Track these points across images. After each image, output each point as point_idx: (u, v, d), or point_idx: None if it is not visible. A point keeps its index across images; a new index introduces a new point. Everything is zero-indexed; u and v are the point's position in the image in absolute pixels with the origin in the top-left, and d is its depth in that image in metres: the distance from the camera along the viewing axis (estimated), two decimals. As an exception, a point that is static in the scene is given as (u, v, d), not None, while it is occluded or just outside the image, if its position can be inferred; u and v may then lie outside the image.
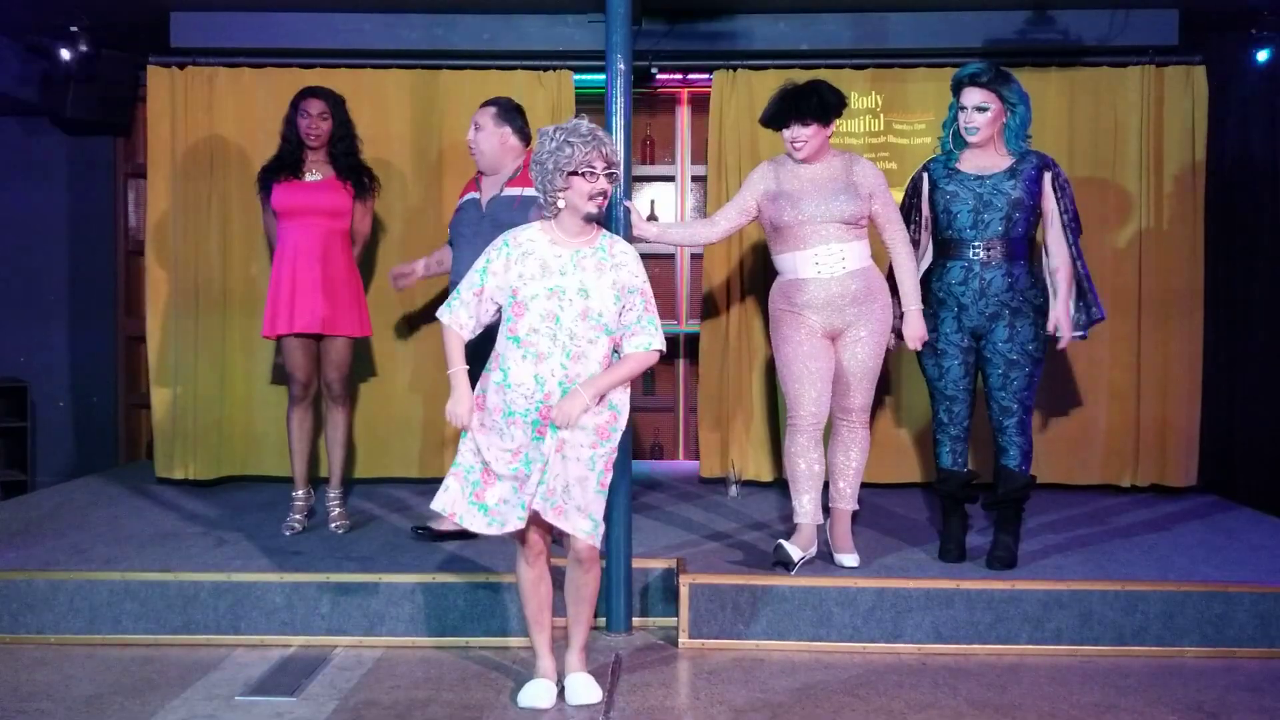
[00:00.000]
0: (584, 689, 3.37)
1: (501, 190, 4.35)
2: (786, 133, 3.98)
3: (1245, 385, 5.76)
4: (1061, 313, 4.05)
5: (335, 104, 4.65)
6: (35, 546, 4.39)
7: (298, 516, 4.64)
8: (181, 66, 5.57)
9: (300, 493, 4.68)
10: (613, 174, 3.26)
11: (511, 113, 4.41)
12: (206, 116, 5.58)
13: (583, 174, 3.21)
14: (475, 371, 3.33)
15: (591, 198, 3.23)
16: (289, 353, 4.57)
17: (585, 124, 3.26)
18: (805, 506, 4.03)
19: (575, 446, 3.22)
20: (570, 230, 3.29)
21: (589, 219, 3.28)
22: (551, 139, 3.23)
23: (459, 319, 3.30)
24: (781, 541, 4.04)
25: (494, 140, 4.36)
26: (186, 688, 3.52)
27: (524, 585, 3.37)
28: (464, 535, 4.18)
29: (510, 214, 4.20)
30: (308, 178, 4.57)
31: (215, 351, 5.57)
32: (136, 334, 6.28)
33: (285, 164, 4.58)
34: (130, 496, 5.39)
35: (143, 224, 6.12)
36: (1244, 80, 5.69)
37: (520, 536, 3.29)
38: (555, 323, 3.20)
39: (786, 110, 3.95)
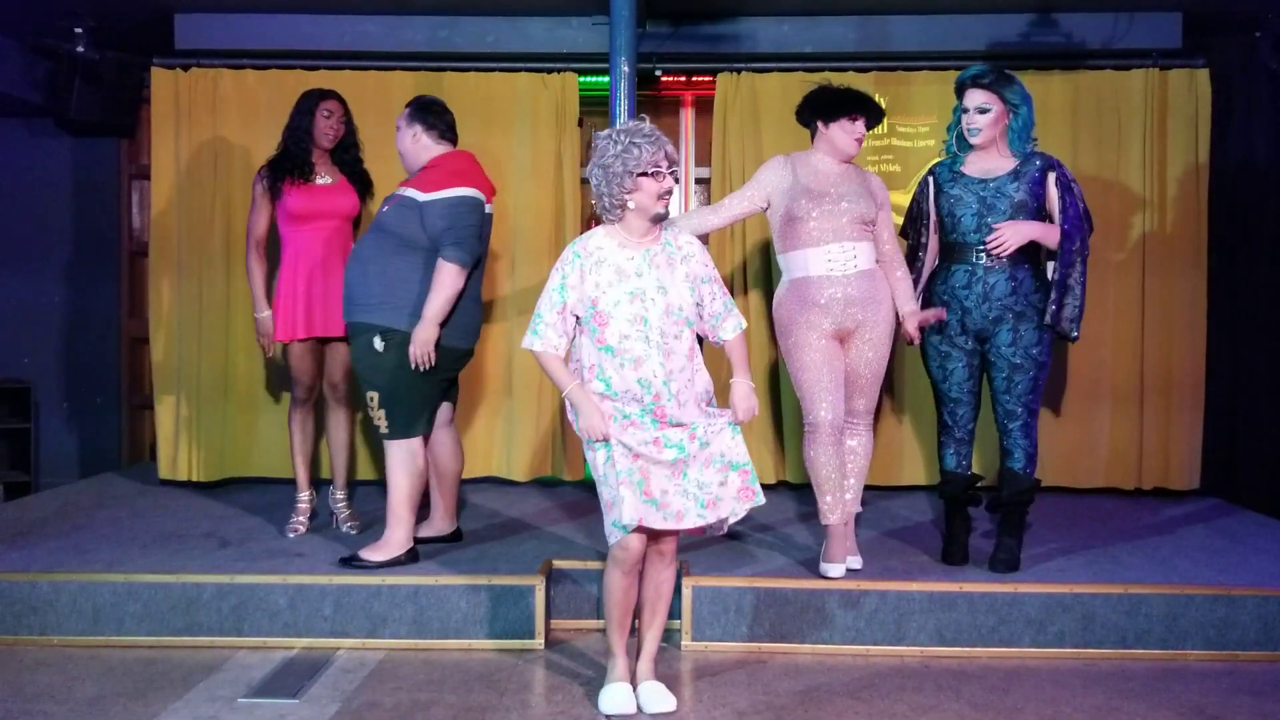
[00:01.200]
0: (660, 698, 3.35)
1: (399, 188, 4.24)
2: (854, 125, 3.97)
3: (1248, 388, 5.75)
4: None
5: (346, 107, 4.66)
6: (38, 548, 4.39)
7: (301, 519, 4.65)
8: (185, 68, 5.58)
9: (304, 495, 4.69)
10: (676, 172, 3.29)
11: (422, 110, 4.23)
12: (210, 118, 5.59)
13: (651, 174, 3.22)
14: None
15: (660, 197, 3.25)
16: (298, 356, 4.57)
17: (647, 125, 3.26)
18: (833, 510, 4.00)
19: (713, 435, 3.28)
20: (638, 231, 3.30)
21: (657, 219, 3.29)
22: (616, 142, 3.22)
23: (550, 342, 3.27)
24: (822, 567, 4.00)
25: (405, 140, 4.23)
26: (189, 689, 3.52)
27: (615, 592, 3.32)
28: (400, 562, 4.13)
29: (383, 213, 4.15)
30: (318, 180, 4.55)
31: (218, 353, 5.57)
32: (140, 335, 6.28)
33: (296, 164, 4.53)
34: (133, 498, 5.40)
35: (146, 225, 6.13)
36: (1248, 83, 5.68)
37: (628, 543, 3.23)
38: (644, 325, 3.22)
39: (857, 102, 3.97)
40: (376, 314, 4.06)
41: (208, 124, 5.58)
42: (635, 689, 3.38)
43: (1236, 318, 5.78)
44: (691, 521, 3.24)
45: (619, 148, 3.21)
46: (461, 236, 4.04)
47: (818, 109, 4.02)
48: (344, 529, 4.65)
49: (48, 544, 4.45)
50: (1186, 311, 5.52)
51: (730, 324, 3.40)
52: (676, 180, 3.31)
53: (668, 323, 3.24)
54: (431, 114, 4.24)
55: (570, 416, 3.31)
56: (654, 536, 3.30)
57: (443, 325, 4.05)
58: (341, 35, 5.59)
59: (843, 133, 3.98)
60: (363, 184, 4.67)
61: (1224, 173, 5.71)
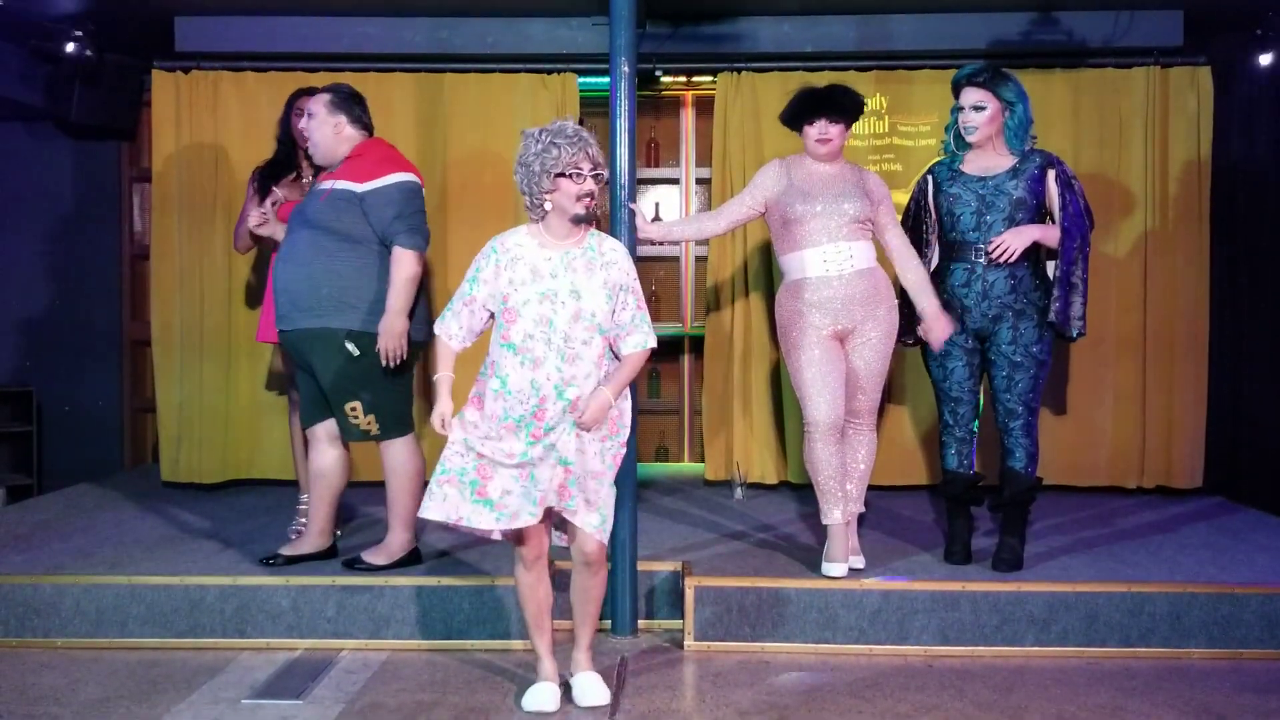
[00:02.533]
0: (592, 689, 3.38)
1: (319, 183, 4.09)
2: (813, 129, 3.97)
3: (1251, 386, 5.75)
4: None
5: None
6: (41, 550, 4.39)
7: (303, 520, 4.63)
8: (186, 71, 5.59)
9: (305, 497, 4.66)
10: (599, 175, 3.23)
11: (348, 101, 4.06)
12: (211, 120, 5.59)
13: (570, 175, 3.18)
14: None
15: (579, 199, 3.20)
16: (287, 358, 4.54)
17: (571, 125, 3.23)
18: (834, 510, 4.00)
19: (588, 441, 3.23)
20: (558, 233, 3.27)
21: (577, 220, 3.25)
22: (537, 141, 3.21)
23: (449, 329, 3.31)
24: (824, 567, 4.00)
25: (326, 129, 4.02)
26: (193, 691, 3.52)
27: (522, 589, 3.36)
28: (321, 556, 4.14)
29: (315, 207, 3.98)
30: (305, 182, 4.49)
31: (220, 355, 5.58)
32: (142, 338, 6.29)
33: (283, 167, 4.50)
34: (136, 500, 5.40)
35: (148, 228, 6.13)
36: (1249, 81, 5.68)
37: (517, 539, 3.29)
38: (549, 327, 3.18)
39: (818, 105, 3.96)
40: (333, 317, 3.92)
41: (208, 127, 5.59)
42: (569, 681, 3.40)
43: (1239, 315, 5.78)
44: (524, 520, 3.19)
45: (539, 147, 3.19)
46: (414, 223, 3.93)
47: (788, 118, 4.06)
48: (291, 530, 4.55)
49: (51, 547, 4.45)
50: (1189, 309, 5.52)
51: (634, 339, 3.29)
52: (601, 183, 3.24)
53: (575, 328, 3.20)
54: (358, 105, 4.10)
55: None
56: (570, 537, 3.31)
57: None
58: (341, 37, 5.59)
59: (808, 138, 4.00)
60: None
61: (1225, 170, 5.70)
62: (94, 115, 5.88)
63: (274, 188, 4.50)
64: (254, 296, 5.57)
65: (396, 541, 4.10)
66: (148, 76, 5.68)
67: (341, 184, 3.97)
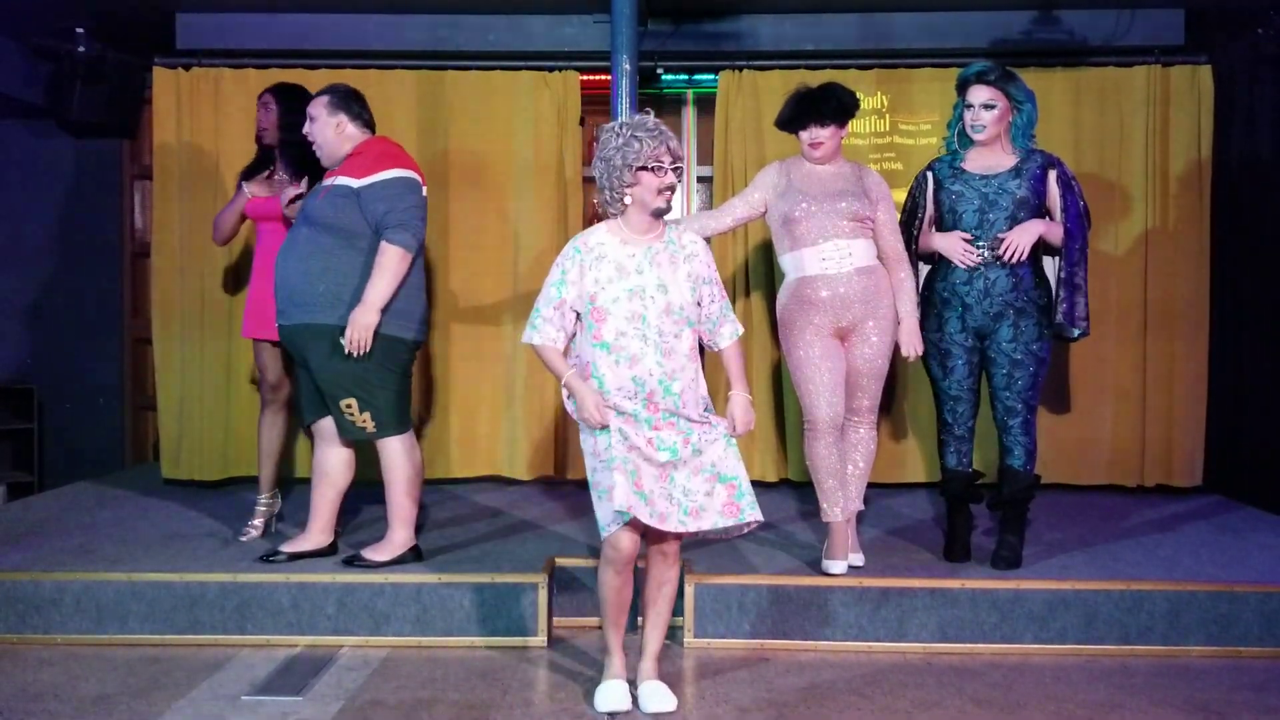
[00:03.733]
0: (660, 697, 3.32)
1: (322, 181, 4.09)
2: (805, 134, 3.99)
3: (1251, 385, 5.75)
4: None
5: (282, 94, 4.42)
6: (42, 547, 4.40)
7: (257, 522, 4.53)
8: (187, 68, 5.59)
9: (263, 496, 4.56)
10: (679, 168, 3.24)
11: (347, 99, 4.06)
12: (212, 117, 5.59)
13: (652, 169, 3.18)
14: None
15: (660, 192, 3.21)
16: (259, 354, 4.52)
17: (651, 119, 3.23)
18: (835, 508, 4.01)
19: (706, 444, 3.25)
20: (639, 228, 3.27)
21: (658, 214, 3.26)
22: (618, 135, 3.20)
23: (548, 335, 3.26)
24: (824, 564, 4.01)
25: (329, 130, 4.02)
26: (193, 688, 3.52)
27: (609, 592, 3.30)
28: (322, 553, 4.14)
29: (315, 204, 3.98)
30: (275, 179, 4.46)
31: (220, 353, 5.58)
32: (143, 336, 6.29)
33: (257, 166, 4.51)
34: (137, 498, 5.41)
35: (149, 225, 6.13)
36: (1250, 79, 5.68)
37: (625, 540, 3.21)
38: (642, 323, 3.19)
39: (806, 111, 3.97)
40: (328, 313, 3.90)
41: (210, 124, 5.58)
42: (636, 687, 3.37)
43: (1240, 313, 5.78)
44: (673, 526, 3.20)
45: (620, 140, 3.18)
46: (405, 218, 3.90)
47: (781, 124, 4.07)
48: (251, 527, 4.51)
49: (52, 543, 4.46)
50: (1189, 308, 5.52)
51: (726, 330, 3.38)
52: (680, 176, 3.29)
53: (666, 321, 3.22)
54: (357, 104, 4.10)
55: (569, 407, 3.28)
56: (655, 537, 3.29)
57: (383, 312, 3.90)
58: (342, 34, 5.60)
59: (801, 143, 4.02)
60: (309, 173, 4.29)
61: (1227, 169, 5.70)
62: (95, 113, 5.89)
63: (242, 183, 4.51)
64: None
65: (397, 539, 4.10)
66: (149, 74, 5.68)
67: (341, 180, 3.96)
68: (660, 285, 3.23)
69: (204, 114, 5.59)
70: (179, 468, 5.59)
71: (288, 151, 4.34)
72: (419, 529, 4.37)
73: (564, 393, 3.28)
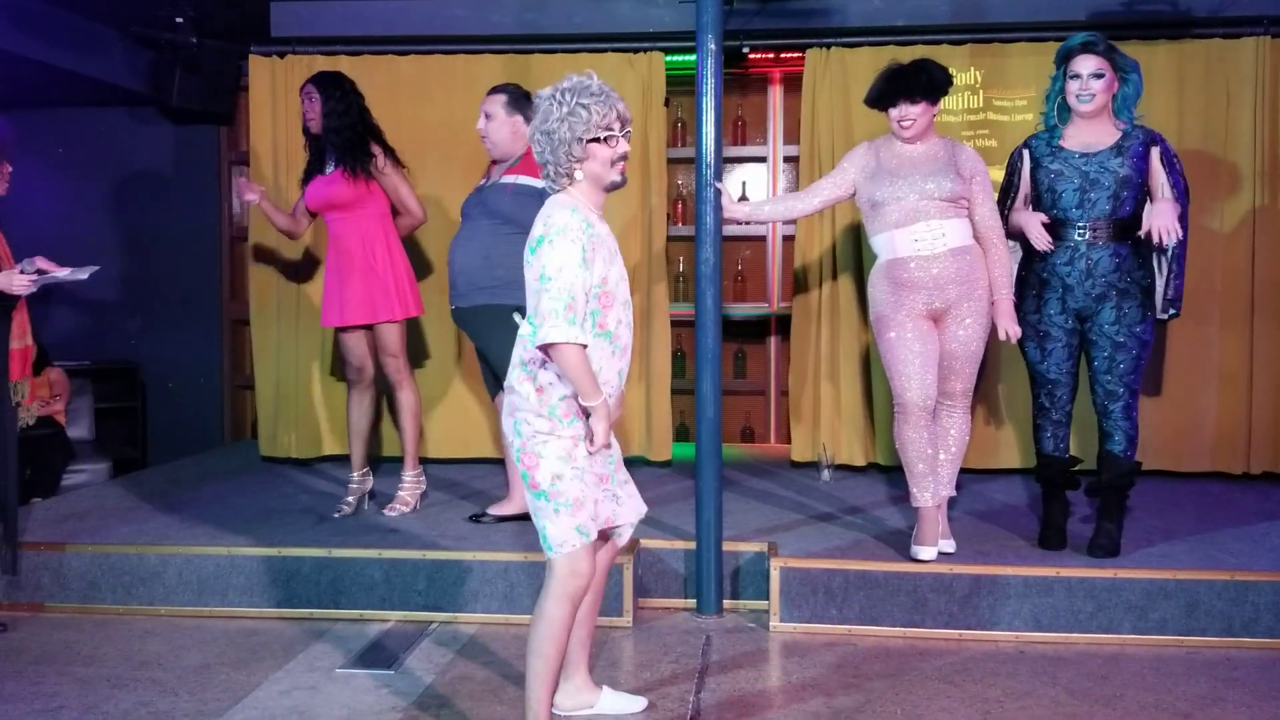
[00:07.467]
0: (623, 700, 3.18)
1: (500, 177, 4.32)
2: (894, 111, 3.90)
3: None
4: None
5: (324, 83, 4.53)
6: (147, 522, 4.56)
7: (350, 499, 4.65)
8: (281, 55, 5.70)
9: (355, 475, 4.70)
10: (629, 132, 2.85)
11: (522, 100, 4.28)
12: (305, 104, 5.69)
13: (603, 139, 2.77)
14: None
15: (614, 164, 2.80)
16: (341, 341, 4.68)
17: (595, 81, 2.80)
18: (925, 493, 3.95)
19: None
20: (596, 205, 2.85)
21: (612, 188, 2.86)
22: (560, 103, 2.76)
23: (578, 334, 2.69)
24: (913, 550, 3.94)
25: (505, 130, 4.29)
26: (289, 659, 3.62)
27: (561, 635, 2.80)
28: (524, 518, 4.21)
29: (500, 200, 4.24)
30: (328, 171, 4.57)
31: (314, 334, 5.70)
32: (241, 318, 6.46)
33: (314, 157, 4.63)
34: (236, 474, 5.57)
35: (246, 210, 6.29)
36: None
37: (578, 565, 2.79)
38: (628, 309, 2.89)
39: (895, 89, 3.88)
40: (505, 295, 4.09)
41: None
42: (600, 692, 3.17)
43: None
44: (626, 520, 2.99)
45: (563, 110, 2.74)
46: None
47: (871, 102, 3.98)
48: (387, 511, 4.59)
49: (156, 518, 4.62)
50: (1299, 288, 5.30)
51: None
52: (628, 140, 2.86)
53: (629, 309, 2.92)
54: (530, 106, 4.19)
55: (531, 424, 2.80)
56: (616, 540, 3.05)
57: None
58: (431, 20, 5.65)
59: (891, 121, 3.92)
60: (356, 160, 4.46)
61: (1341, 143, 5.44)
62: (193, 100, 6.05)
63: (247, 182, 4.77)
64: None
65: (521, 495, 4.18)
66: (245, 61, 5.82)
67: (524, 180, 4.20)
68: (623, 271, 2.90)
69: (297, 101, 5.66)
70: (275, 446, 5.74)
71: (333, 139, 4.50)
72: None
73: (530, 406, 2.79)
